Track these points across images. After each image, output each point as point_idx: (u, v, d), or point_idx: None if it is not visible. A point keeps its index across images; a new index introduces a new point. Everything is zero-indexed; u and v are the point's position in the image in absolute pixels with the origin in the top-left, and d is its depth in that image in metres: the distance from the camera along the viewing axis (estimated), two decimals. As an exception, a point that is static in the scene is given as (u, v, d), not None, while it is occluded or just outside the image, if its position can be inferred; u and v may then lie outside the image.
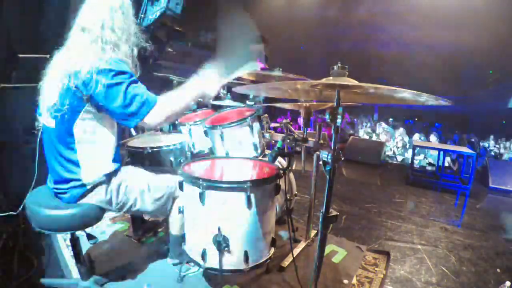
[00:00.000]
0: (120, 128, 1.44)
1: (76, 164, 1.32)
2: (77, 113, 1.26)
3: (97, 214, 1.40)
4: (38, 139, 1.41)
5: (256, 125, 2.01)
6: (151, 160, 1.88)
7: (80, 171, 1.33)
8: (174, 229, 1.62)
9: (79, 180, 1.33)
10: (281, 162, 2.14)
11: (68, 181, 1.33)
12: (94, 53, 1.25)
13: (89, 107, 1.26)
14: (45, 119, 1.32)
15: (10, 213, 1.76)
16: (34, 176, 1.48)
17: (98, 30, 1.29)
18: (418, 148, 5.02)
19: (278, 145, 1.63)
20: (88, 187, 1.34)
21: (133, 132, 2.71)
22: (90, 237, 1.48)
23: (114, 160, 1.40)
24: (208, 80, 1.38)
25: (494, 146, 6.60)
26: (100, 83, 1.19)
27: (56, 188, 1.36)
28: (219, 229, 1.30)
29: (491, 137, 7.01)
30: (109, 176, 1.38)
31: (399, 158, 5.82)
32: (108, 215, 2.42)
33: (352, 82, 1.05)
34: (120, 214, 2.48)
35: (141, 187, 1.46)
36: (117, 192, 1.41)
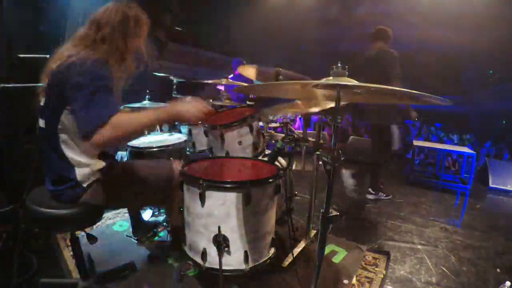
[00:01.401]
0: None
1: (67, 163, 1.30)
2: (59, 113, 1.24)
3: (96, 213, 1.40)
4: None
5: (256, 125, 2.01)
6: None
7: (73, 171, 1.31)
8: (175, 219, 1.62)
9: (73, 179, 1.31)
10: (281, 162, 2.15)
11: (63, 181, 1.31)
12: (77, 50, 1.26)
13: (69, 106, 1.22)
14: (39, 120, 1.32)
15: (11, 207, 1.75)
16: (34, 176, 1.48)
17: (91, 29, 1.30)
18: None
19: (278, 145, 1.63)
20: (84, 185, 1.33)
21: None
22: (90, 237, 1.48)
23: (103, 157, 1.38)
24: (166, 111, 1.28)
25: (494, 146, 6.59)
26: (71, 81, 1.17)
27: (54, 190, 1.34)
28: (219, 229, 1.30)
29: (491, 137, 7.01)
30: (105, 173, 1.38)
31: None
32: (108, 215, 2.42)
33: (352, 82, 1.05)
34: (120, 210, 2.49)
35: (138, 181, 1.45)
36: (114, 188, 1.40)
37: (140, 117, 1.20)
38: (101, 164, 1.37)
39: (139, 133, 1.17)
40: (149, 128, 1.17)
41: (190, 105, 1.29)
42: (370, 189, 3.40)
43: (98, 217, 1.42)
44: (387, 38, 3.13)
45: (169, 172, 1.53)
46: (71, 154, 1.30)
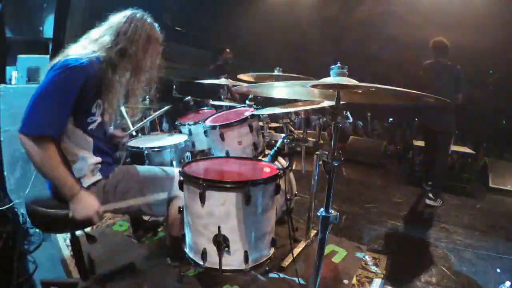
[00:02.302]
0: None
1: (66, 161, 1.28)
2: None
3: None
4: None
5: (256, 125, 2.01)
6: (151, 160, 1.88)
7: (71, 168, 1.30)
8: (174, 231, 1.61)
9: (72, 175, 1.29)
10: (281, 162, 2.15)
11: None
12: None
13: None
14: None
15: (12, 204, 1.75)
16: (33, 176, 1.48)
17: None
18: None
19: (278, 145, 1.63)
20: (85, 185, 1.33)
21: (133, 132, 2.71)
22: (89, 237, 1.47)
23: (97, 152, 1.38)
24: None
25: (494, 146, 6.59)
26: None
27: (53, 190, 1.34)
28: (219, 229, 1.30)
29: (491, 137, 7.01)
30: (106, 176, 1.38)
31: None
32: (108, 215, 2.42)
33: (352, 82, 1.05)
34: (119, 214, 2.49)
35: (138, 187, 1.45)
36: (114, 192, 1.40)
37: (60, 172, 1.19)
38: (96, 159, 1.36)
39: (45, 176, 1.20)
40: (56, 183, 1.22)
41: (81, 207, 1.24)
42: (430, 194, 3.45)
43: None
44: (447, 51, 3.32)
45: (170, 183, 1.52)
46: (66, 150, 1.28)
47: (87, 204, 1.24)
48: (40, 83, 1.20)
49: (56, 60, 1.26)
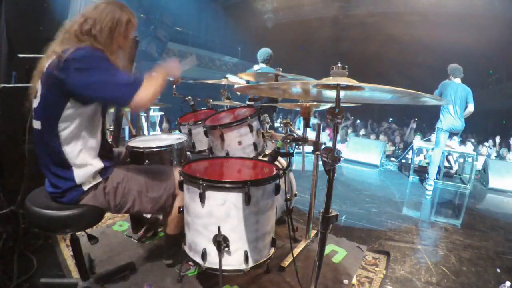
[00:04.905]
0: (103, 124, 1.41)
1: (67, 165, 1.29)
2: (59, 112, 1.23)
3: (97, 215, 1.40)
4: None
5: (256, 125, 2.01)
6: (151, 160, 1.88)
7: (71, 173, 1.30)
8: (170, 229, 1.62)
9: (72, 181, 1.30)
10: (281, 162, 2.15)
11: (63, 183, 1.30)
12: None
13: (70, 103, 1.22)
14: (35, 121, 1.30)
15: (11, 208, 1.74)
16: (33, 177, 1.47)
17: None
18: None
19: (278, 145, 1.63)
20: (85, 188, 1.32)
21: (133, 131, 2.71)
22: (90, 237, 1.47)
23: (102, 157, 1.38)
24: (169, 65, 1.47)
25: (494, 146, 6.60)
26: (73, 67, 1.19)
27: (53, 192, 1.33)
28: (219, 229, 1.30)
29: (491, 137, 7.01)
30: (106, 177, 1.38)
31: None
32: (108, 215, 2.42)
33: (352, 82, 1.05)
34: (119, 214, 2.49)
35: (138, 188, 1.45)
36: (115, 194, 1.40)
37: (155, 79, 1.31)
38: (100, 164, 1.36)
39: (158, 92, 1.34)
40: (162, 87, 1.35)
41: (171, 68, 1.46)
42: None
43: (99, 219, 1.42)
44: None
45: (170, 181, 1.53)
46: (72, 154, 1.28)
47: (170, 66, 1.46)
48: (81, 72, 1.19)
49: (50, 58, 1.25)
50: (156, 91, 1.29)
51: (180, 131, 2.35)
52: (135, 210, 1.47)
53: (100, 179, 1.36)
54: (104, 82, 1.20)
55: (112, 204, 1.40)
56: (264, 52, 3.81)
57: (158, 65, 1.43)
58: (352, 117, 8.98)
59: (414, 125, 6.89)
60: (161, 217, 2.27)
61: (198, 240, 1.38)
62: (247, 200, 1.30)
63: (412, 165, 4.73)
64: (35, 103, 1.28)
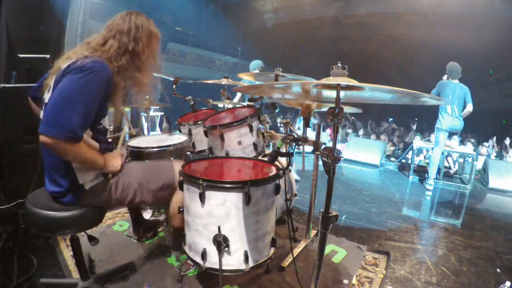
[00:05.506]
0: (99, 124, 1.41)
1: (68, 165, 1.29)
2: None
3: (98, 215, 1.40)
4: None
5: (256, 125, 2.01)
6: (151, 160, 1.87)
7: (73, 173, 1.30)
8: (175, 221, 1.61)
9: (74, 182, 1.31)
10: (281, 162, 2.15)
11: (64, 183, 1.31)
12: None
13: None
14: (42, 113, 1.30)
15: (11, 206, 1.74)
16: (35, 177, 1.47)
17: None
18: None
19: (278, 145, 1.63)
20: (87, 187, 1.33)
21: (133, 131, 2.71)
22: (91, 238, 1.47)
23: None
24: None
25: (494, 146, 6.60)
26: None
27: (55, 192, 1.33)
28: (219, 229, 1.30)
29: (491, 137, 7.01)
30: (106, 175, 1.38)
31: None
32: (108, 215, 2.42)
33: (352, 82, 1.05)
34: (120, 210, 2.49)
35: (138, 181, 1.46)
36: (116, 187, 1.41)
37: (89, 155, 1.27)
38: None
39: (75, 163, 1.30)
40: (88, 164, 1.31)
41: (112, 166, 1.38)
42: None
43: (99, 220, 1.43)
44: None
45: (170, 173, 1.54)
46: None
47: (114, 162, 1.39)
48: (60, 87, 1.18)
49: (63, 62, 1.27)
50: (75, 159, 1.25)
51: (180, 131, 2.35)
52: (136, 202, 1.48)
53: (102, 178, 1.37)
54: (58, 103, 1.15)
55: (114, 198, 1.41)
56: (255, 64, 4.12)
57: (109, 154, 1.39)
58: (353, 117, 8.99)
59: (414, 127, 6.91)
60: (161, 217, 2.28)
61: (198, 240, 1.38)
62: (247, 200, 1.30)
63: (412, 165, 4.73)
64: (47, 98, 1.28)
